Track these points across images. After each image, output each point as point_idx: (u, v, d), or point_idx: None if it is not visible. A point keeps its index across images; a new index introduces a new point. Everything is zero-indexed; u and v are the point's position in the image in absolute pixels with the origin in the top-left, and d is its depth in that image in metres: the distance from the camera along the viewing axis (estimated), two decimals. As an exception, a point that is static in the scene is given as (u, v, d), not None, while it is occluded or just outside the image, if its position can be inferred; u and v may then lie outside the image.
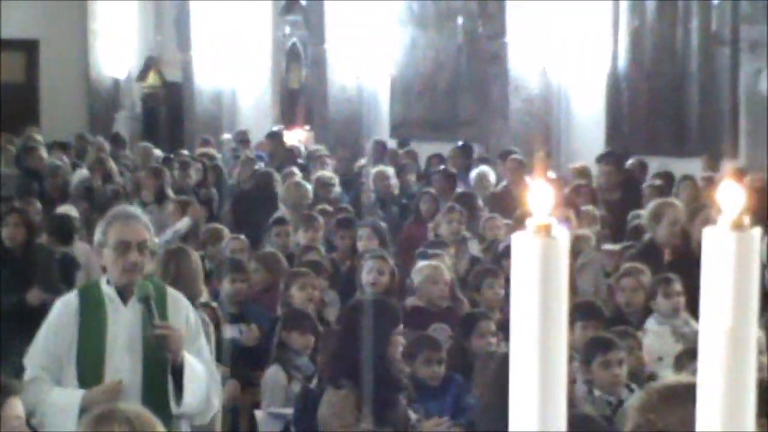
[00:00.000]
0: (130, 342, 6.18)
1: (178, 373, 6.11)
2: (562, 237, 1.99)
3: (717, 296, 2.01)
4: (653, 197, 12.79)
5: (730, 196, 2.06)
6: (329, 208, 13.75)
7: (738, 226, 2.03)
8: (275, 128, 23.15)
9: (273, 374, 8.62)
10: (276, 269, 10.63)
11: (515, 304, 1.96)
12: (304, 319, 8.90)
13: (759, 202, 12.28)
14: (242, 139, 22.84)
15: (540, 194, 2.02)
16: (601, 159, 16.34)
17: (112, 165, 18.12)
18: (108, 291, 6.25)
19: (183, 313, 6.36)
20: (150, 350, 6.14)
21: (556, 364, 1.95)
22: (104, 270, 6.36)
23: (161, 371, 6.12)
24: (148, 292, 6.13)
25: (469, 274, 10.71)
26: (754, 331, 2.02)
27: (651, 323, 8.97)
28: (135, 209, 6.84)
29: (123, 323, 6.21)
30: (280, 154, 20.15)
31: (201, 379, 6.22)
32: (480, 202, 13.92)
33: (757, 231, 2.05)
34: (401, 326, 7.38)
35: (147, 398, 5.94)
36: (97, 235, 6.33)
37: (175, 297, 6.43)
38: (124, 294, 6.23)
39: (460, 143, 19.32)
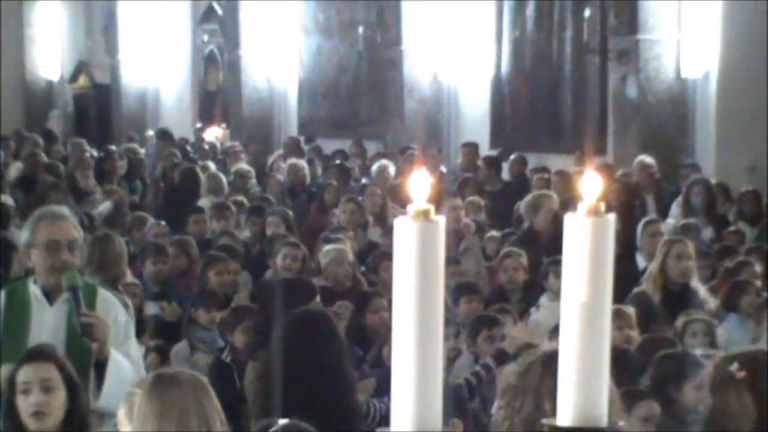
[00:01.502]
0: (53, 341, 5.52)
1: (101, 368, 5.48)
2: (440, 221, 1.99)
3: (576, 274, 2.02)
4: (539, 189, 13.01)
5: (589, 186, 2.08)
6: (239, 198, 13.72)
7: (595, 213, 2.05)
8: (163, 127, 22.91)
9: (179, 348, 8.62)
10: (190, 253, 10.60)
11: (397, 281, 1.95)
12: (210, 297, 8.90)
13: (624, 195, 12.47)
14: (165, 135, 22.65)
15: (420, 184, 2.03)
16: (463, 146, 17.02)
17: (44, 158, 17.88)
18: (34, 290, 5.66)
19: (112, 313, 5.73)
20: (74, 348, 5.51)
21: (433, 335, 1.96)
22: (31, 271, 5.79)
23: (84, 368, 5.40)
24: (76, 282, 5.56)
25: (367, 257, 10.73)
26: (608, 305, 2.04)
27: (544, 300, 9.04)
28: (62, 209, 6.24)
29: (47, 323, 5.63)
30: (169, 150, 20.02)
31: (126, 375, 5.53)
32: (379, 192, 13.91)
33: (612, 217, 2.07)
34: (318, 299, 7.34)
35: None
36: (25, 235, 5.72)
37: (106, 297, 5.83)
38: (50, 294, 5.65)
39: (337, 143, 19.42)
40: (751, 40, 15.70)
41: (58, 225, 5.67)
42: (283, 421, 4.43)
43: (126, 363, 5.58)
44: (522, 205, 11.74)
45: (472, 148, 17.17)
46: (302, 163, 16.41)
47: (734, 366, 3.88)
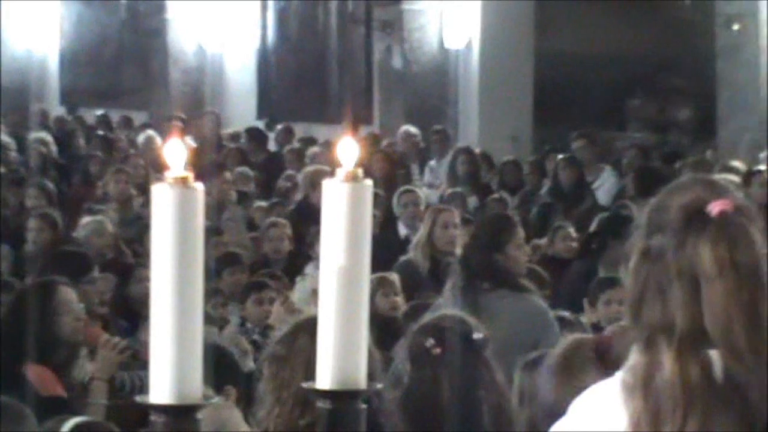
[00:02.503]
0: None
1: None
2: (199, 188, 1.98)
3: (334, 239, 2.04)
4: (294, 160, 13.13)
5: (347, 153, 2.10)
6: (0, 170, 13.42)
7: (353, 178, 2.07)
8: None
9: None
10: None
11: (155, 249, 1.93)
12: None
13: (388, 164, 12.69)
14: None
15: (177, 151, 2.02)
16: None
17: None
18: None
19: None
20: None
21: (192, 303, 1.94)
22: None
23: None
24: None
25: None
26: (366, 270, 2.06)
27: (310, 268, 9.08)
28: None
29: None
30: None
31: None
32: (142, 162, 13.78)
33: (370, 182, 2.09)
34: (95, 272, 7.29)
35: None
36: None
37: None
38: None
39: (99, 112, 19.13)
40: (512, 11, 16.09)
41: None
42: (75, 420, 4.33)
43: None
44: (300, 178, 11.89)
45: (211, 116, 17.37)
46: (47, 137, 16.22)
47: (430, 342, 3.87)
